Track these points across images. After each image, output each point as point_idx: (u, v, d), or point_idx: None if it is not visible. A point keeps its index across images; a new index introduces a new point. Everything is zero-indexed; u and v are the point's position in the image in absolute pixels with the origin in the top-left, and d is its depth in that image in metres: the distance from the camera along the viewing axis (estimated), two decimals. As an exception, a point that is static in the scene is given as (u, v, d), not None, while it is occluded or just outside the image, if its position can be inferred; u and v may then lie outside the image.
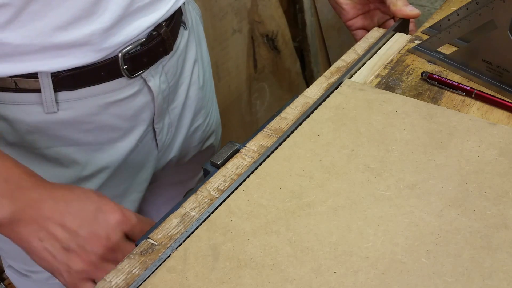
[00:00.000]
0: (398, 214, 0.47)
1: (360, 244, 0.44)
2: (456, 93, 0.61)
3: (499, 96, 0.59)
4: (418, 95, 0.61)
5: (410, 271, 0.42)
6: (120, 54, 0.59)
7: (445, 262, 0.42)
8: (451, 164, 0.51)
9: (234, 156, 0.55)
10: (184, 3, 0.69)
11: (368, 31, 0.80)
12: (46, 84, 0.56)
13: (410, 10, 0.71)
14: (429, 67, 0.65)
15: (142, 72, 0.63)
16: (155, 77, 0.65)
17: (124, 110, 0.64)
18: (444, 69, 0.65)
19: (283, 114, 0.60)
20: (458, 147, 0.52)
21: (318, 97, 0.61)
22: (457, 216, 0.46)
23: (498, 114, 0.58)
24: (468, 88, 0.60)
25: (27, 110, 0.57)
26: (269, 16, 1.50)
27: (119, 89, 0.62)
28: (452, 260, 0.42)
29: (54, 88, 0.56)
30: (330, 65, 0.67)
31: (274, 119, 0.59)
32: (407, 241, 0.44)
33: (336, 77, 0.64)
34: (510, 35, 0.56)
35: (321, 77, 0.65)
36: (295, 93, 0.66)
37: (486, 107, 0.59)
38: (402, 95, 0.60)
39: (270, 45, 1.54)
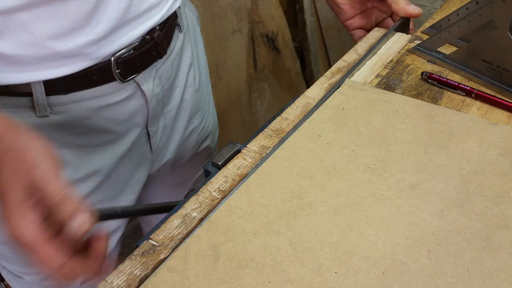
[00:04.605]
0: (399, 214, 0.47)
1: (361, 244, 0.44)
2: (456, 93, 0.61)
3: (499, 96, 0.59)
4: (418, 95, 0.61)
5: (411, 271, 0.42)
6: (112, 59, 0.58)
7: (446, 262, 0.42)
8: (452, 164, 0.51)
9: (235, 157, 0.55)
10: (179, 6, 0.68)
11: (366, 30, 0.80)
12: (38, 89, 0.56)
13: (412, 9, 0.71)
14: (429, 67, 0.65)
15: (135, 76, 0.62)
16: (149, 80, 0.65)
17: (117, 113, 0.64)
18: (444, 69, 0.65)
19: (284, 114, 0.60)
20: (459, 147, 0.52)
21: (319, 97, 0.61)
22: (458, 216, 0.46)
23: (498, 114, 0.58)
24: (468, 88, 0.60)
25: (18, 113, 0.57)
26: (269, 16, 1.50)
27: (111, 93, 0.61)
28: (453, 260, 0.42)
29: (46, 92, 0.56)
30: (330, 65, 0.67)
31: (275, 120, 0.59)
32: (408, 241, 0.44)
33: (337, 77, 0.64)
34: (510, 35, 0.56)
35: (322, 77, 0.65)
36: (295, 93, 0.66)
37: (486, 107, 0.59)
38: (402, 95, 0.60)
39: (270, 45, 1.54)
